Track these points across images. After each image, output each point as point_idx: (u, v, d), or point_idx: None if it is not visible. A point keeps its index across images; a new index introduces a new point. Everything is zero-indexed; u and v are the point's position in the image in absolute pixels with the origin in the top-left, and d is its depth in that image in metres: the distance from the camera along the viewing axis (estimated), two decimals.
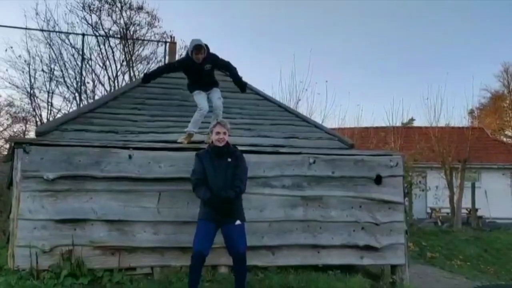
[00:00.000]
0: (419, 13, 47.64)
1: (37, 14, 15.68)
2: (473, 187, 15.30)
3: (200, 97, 5.73)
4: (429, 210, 17.26)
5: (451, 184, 15.08)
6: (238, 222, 4.33)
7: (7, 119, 20.48)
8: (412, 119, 21.87)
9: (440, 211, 16.15)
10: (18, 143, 4.93)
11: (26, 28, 14.49)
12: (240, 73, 5.81)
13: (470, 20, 50.23)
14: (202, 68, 5.58)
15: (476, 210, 15.51)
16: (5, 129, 20.73)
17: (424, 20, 48.88)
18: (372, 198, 5.60)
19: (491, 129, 26.29)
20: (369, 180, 5.63)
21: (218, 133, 4.42)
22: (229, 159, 4.39)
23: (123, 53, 16.73)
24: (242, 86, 5.84)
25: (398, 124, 16.60)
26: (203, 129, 5.85)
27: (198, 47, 5.39)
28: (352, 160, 5.64)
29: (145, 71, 16.01)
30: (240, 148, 4.71)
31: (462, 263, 9.01)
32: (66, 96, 15.72)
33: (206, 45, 5.52)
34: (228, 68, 5.79)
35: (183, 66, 5.74)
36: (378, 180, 5.63)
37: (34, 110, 15.74)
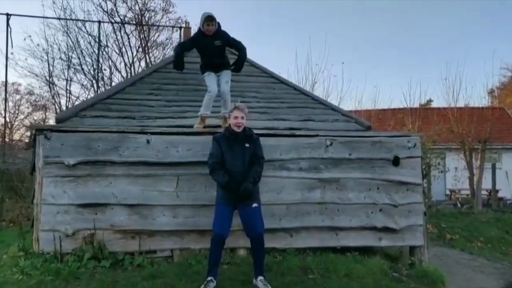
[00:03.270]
0: None
1: (54, 2, 15.83)
2: (493, 168, 15.02)
3: (209, 79, 5.74)
4: (448, 192, 17.06)
5: (471, 165, 14.84)
6: (255, 204, 4.36)
7: (28, 107, 20.94)
8: (430, 100, 21.50)
9: (459, 193, 15.95)
10: (39, 130, 5.03)
11: (43, 17, 14.72)
12: (254, 55, 5.80)
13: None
14: (212, 43, 5.57)
15: (497, 191, 15.26)
16: (25, 117, 21.21)
17: None
18: (390, 180, 5.55)
19: None
20: (386, 161, 5.58)
21: (236, 117, 4.39)
22: (247, 144, 4.38)
23: (139, 39, 16.81)
24: (240, 67, 5.86)
25: (416, 105, 16.35)
26: (215, 113, 5.87)
27: (210, 18, 5.42)
28: (369, 142, 5.59)
29: (161, 57, 16.10)
30: (256, 131, 4.70)
31: (483, 245, 8.92)
32: (84, 83, 15.94)
33: (218, 22, 5.54)
34: (238, 48, 5.77)
35: (195, 42, 5.74)
36: (396, 161, 5.58)
37: (53, 97, 16.03)
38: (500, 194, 15.49)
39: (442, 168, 14.64)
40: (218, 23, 5.57)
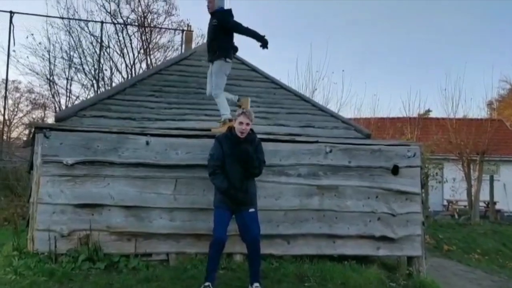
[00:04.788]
0: (437, 2, 46.59)
1: (58, 2, 15.86)
2: (491, 180, 15.03)
3: (208, 74, 5.71)
4: (445, 203, 17.04)
5: (469, 176, 14.83)
6: (252, 209, 4.33)
7: (27, 105, 20.89)
8: (429, 110, 21.50)
9: (457, 204, 15.93)
10: (38, 128, 4.99)
11: (46, 16, 14.69)
12: (255, 60, 5.77)
13: (489, 10, 48.96)
14: (211, 22, 5.55)
15: (495, 203, 15.26)
16: (24, 115, 21.15)
17: (442, 9, 47.80)
18: (389, 189, 5.53)
19: (510, 121, 25.65)
20: (386, 170, 5.55)
21: (241, 123, 4.30)
22: (249, 148, 4.34)
23: (141, 41, 16.83)
24: (262, 40, 5.53)
25: (415, 115, 16.36)
26: (211, 116, 5.82)
27: None
28: (369, 150, 5.57)
29: (162, 60, 16.11)
30: None
31: (480, 257, 8.89)
32: (84, 83, 15.93)
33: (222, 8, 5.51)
34: (234, 30, 5.55)
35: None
36: (395, 170, 5.56)
37: (53, 96, 16.03)
38: (497, 206, 15.49)
39: (440, 179, 14.63)
40: (223, 10, 5.49)
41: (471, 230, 11.60)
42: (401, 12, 48.15)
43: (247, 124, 4.33)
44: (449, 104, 15.57)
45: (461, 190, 15.14)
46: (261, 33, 5.49)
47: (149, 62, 16.83)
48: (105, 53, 16.01)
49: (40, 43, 15.30)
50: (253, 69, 7.45)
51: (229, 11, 5.63)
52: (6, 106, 13.30)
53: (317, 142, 5.50)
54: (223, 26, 5.52)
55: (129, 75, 15.93)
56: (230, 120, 5.46)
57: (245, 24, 5.50)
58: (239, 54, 6.23)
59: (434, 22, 48.39)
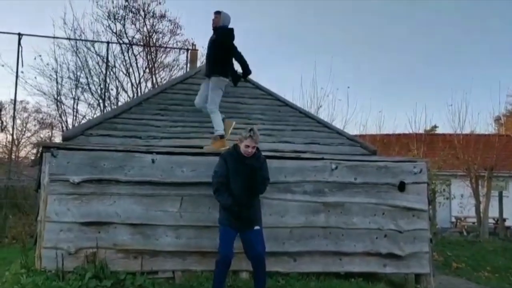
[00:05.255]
0: (442, 15, 46.88)
1: (65, 23, 16.09)
2: (500, 196, 14.83)
3: (201, 86, 5.92)
4: (453, 219, 16.83)
5: (477, 193, 14.67)
6: (257, 227, 4.33)
7: (35, 125, 21.11)
8: (435, 126, 21.46)
9: (465, 221, 15.72)
10: (46, 147, 5.07)
11: (54, 37, 14.90)
12: (260, 78, 5.88)
13: (496, 23, 49.13)
14: (212, 36, 5.74)
15: (504, 220, 15.03)
16: (32, 135, 21.36)
17: (447, 23, 48.09)
18: (396, 205, 5.51)
19: None
20: (392, 186, 5.54)
21: (247, 146, 4.34)
22: (253, 166, 4.37)
23: (146, 60, 17.03)
24: (246, 71, 5.89)
25: (421, 131, 16.31)
26: (204, 133, 5.89)
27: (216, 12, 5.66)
28: (375, 167, 5.57)
29: (168, 78, 16.30)
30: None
31: (490, 275, 8.70)
32: (91, 102, 16.08)
33: (224, 16, 5.71)
34: (229, 49, 5.75)
35: None
36: (401, 187, 5.55)
37: (60, 116, 16.17)
38: (507, 223, 15.25)
39: (447, 195, 14.49)
40: (225, 19, 5.68)
41: (480, 247, 11.40)
42: (406, 27, 48.51)
43: (253, 147, 4.35)
44: (455, 120, 15.49)
45: (469, 207, 14.96)
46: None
47: (154, 81, 16.99)
48: (111, 72, 16.21)
49: (47, 64, 15.51)
50: (258, 86, 7.50)
51: (231, 30, 5.77)
52: (15, 126, 13.45)
53: (322, 159, 5.51)
54: (222, 44, 5.67)
55: (135, 94, 16.07)
56: (221, 137, 5.55)
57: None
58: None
59: (439, 36, 48.67)
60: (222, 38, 5.68)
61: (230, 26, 5.81)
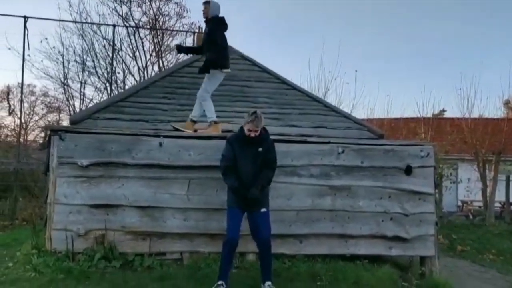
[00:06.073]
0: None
1: (70, 6, 16.11)
2: (507, 180, 14.77)
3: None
4: (459, 203, 16.83)
5: (484, 176, 14.63)
6: (263, 209, 4.37)
7: (42, 108, 21.24)
8: (443, 110, 21.27)
9: (471, 204, 15.71)
10: (54, 131, 5.11)
11: (60, 20, 14.86)
12: (266, 61, 5.83)
13: (505, 7, 48.12)
14: (205, 29, 5.73)
15: (511, 204, 15.01)
16: (40, 118, 21.50)
17: (455, 6, 47.18)
18: (402, 189, 5.52)
19: None
20: (399, 170, 5.54)
21: (249, 130, 4.33)
22: (260, 148, 4.38)
23: (153, 43, 16.98)
24: (215, 63, 5.66)
25: (429, 115, 16.20)
26: (222, 118, 5.89)
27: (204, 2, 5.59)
28: (382, 150, 5.56)
29: (174, 62, 16.25)
30: None
31: (495, 258, 8.75)
32: (98, 86, 16.13)
33: (214, 6, 5.62)
34: (215, 38, 5.63)
35: None
36: (408, 170, 5.54)
37: (67, 99, 16.26)
38: None
39: (454, 179, 14.46)
40: (220, 19, 5.61)
41: (486, 231, 11.43)
42: (415, 11, 47.69)
43: (255, 131, 4.35)
44: (464, 104, 15.35)
45: (476, 191, 14.93)
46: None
47: (161, 64, 16.98)
48: (118, 56, 16.20)
49: (54, 47, 15.56)
50: (265, 70, 7.48)
51: (222, 19, 5.71)
52: (22, 110, 13.49)
53: (329, 142, 5.51)
54: (215, 35, 5.64)
55: (142, 78, 16.10)
56: (216, 122, 5.65)
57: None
58: (250, 55, 6.29)
59: (448, 21, 47.83)
60: (215, 28, 5.64)
61: (220, 15, 5.72)
